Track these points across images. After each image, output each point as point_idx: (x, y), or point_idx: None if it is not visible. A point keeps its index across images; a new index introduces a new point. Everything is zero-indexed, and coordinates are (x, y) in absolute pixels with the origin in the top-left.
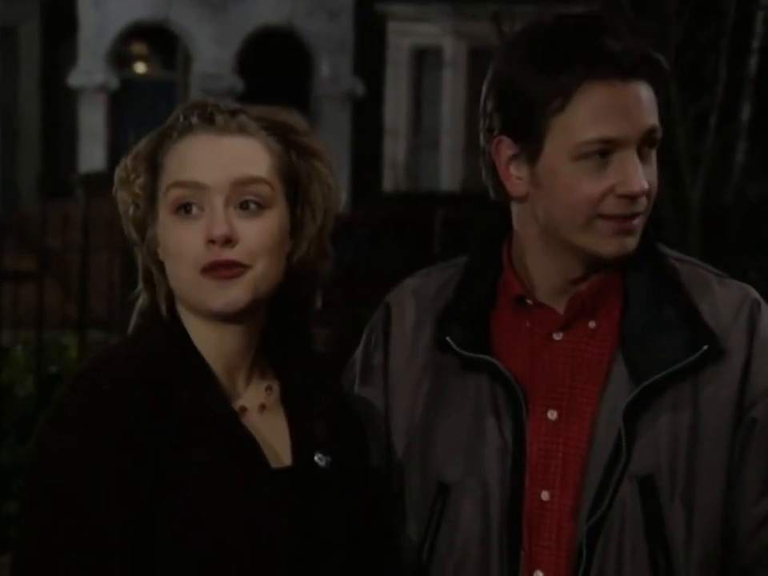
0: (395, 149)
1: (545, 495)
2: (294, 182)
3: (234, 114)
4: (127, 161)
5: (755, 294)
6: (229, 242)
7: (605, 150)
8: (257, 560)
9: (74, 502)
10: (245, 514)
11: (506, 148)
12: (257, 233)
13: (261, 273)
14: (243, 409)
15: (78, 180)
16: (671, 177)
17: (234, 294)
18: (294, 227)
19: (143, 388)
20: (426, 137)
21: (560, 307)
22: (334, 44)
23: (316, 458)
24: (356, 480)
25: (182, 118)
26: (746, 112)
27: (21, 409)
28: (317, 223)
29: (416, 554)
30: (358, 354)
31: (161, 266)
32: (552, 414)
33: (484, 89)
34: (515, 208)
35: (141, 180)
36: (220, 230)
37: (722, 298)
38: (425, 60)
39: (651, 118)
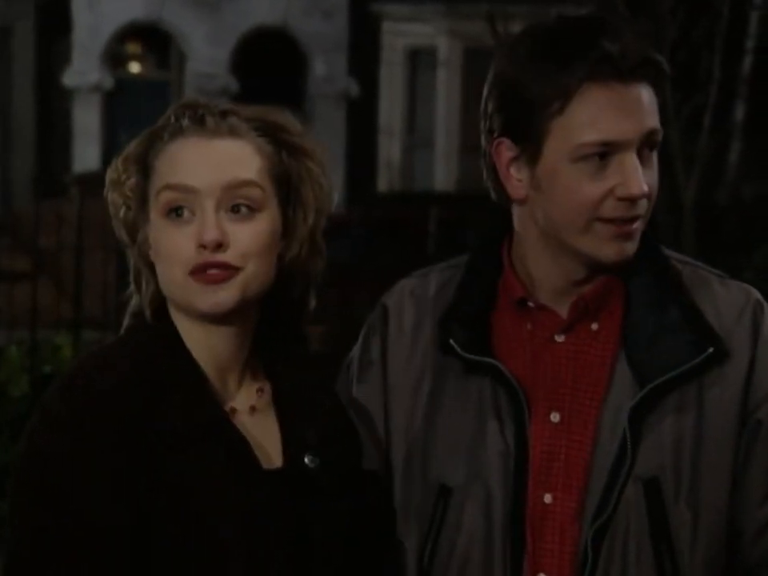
0: (390, 149)
1: (547, 498)
2: (286, 182)
3: (224, 115)
4: (118, 162)
5: (758, 295)
6: (220, 246)
7: (604, 153)
8: (250, 561)
9: (69, 502)
10: (237, 516)
11: (506, 150)
12: (248, 236)
13: (251, 274)
14: (233, 410)
15: (73, 180)
16: (665, 177)
17: (223, 295)
18: (286, 227)
19: (135, 388)
20: (421, 137)
21: (561, 309)
22: (329, 44)
23: (306, 459)
24: (350, 482)
25: (173, 119)
26: (740, 112)
27: (15, 409)
28: (309, 223)
29: (417, 557)
30: (355, 354)
31: (151, 268)
32: (555, 417)
33: (485, 90)
34: (516, 210)
35: (132, 182)
36: (211, 236)
37: (725, 300)
38: (419, 60)
39: (651, 120)
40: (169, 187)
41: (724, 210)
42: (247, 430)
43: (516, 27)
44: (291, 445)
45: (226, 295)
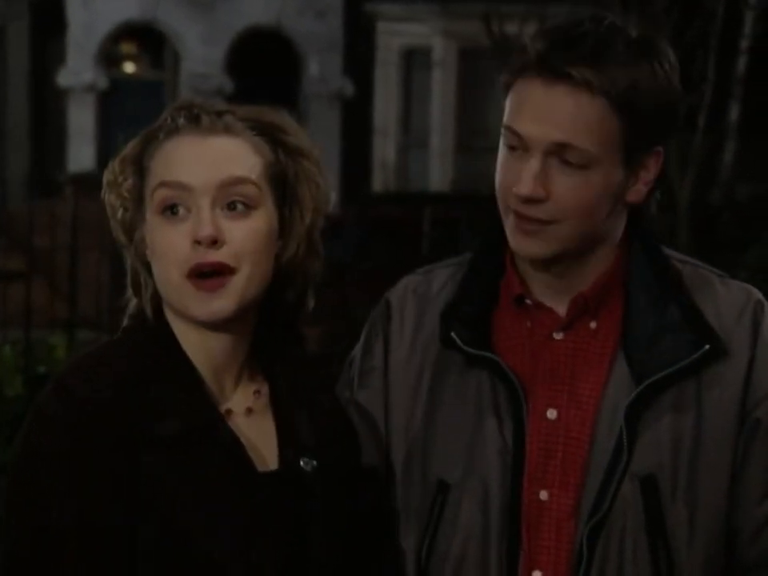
0: (385, 149)
1: (543, 495)
2: (282, 181)
3: (220, 114)
4: (115, 164)
5: (758, 295)
6: (215, 242)
7: (515, 145)
8: (248, 565)
9: (68, 501)
10: (232, 518)
11: None
12: (244, 233)
13: (247, 276)
14: (229, 412)
15: (67, 179)
16: (660, 176)
17: (219, 304)
18: (283, 228)
19: (131, 389)
20: (416, 137)
21: (560, 307)
22: (324, 44)
23: (302, 462)
24: (349, 483)
25: (168, 120)
26: (734, 112)
27: (9, 409)
28: (305, 223)
29: (415, 553)
30: (357, 350)
31: (149, 268)
32: (552, 414)
33: None
34: None
35: (129, 182)
36: (206, 231)
37: (725, 299)
38: (414, 60)
39: (560, 133)
40: (164, 184)
41: (718, 209)
42: (243, 432)
43: (511, 27)
44: (287, 447)
45: (222, 304)
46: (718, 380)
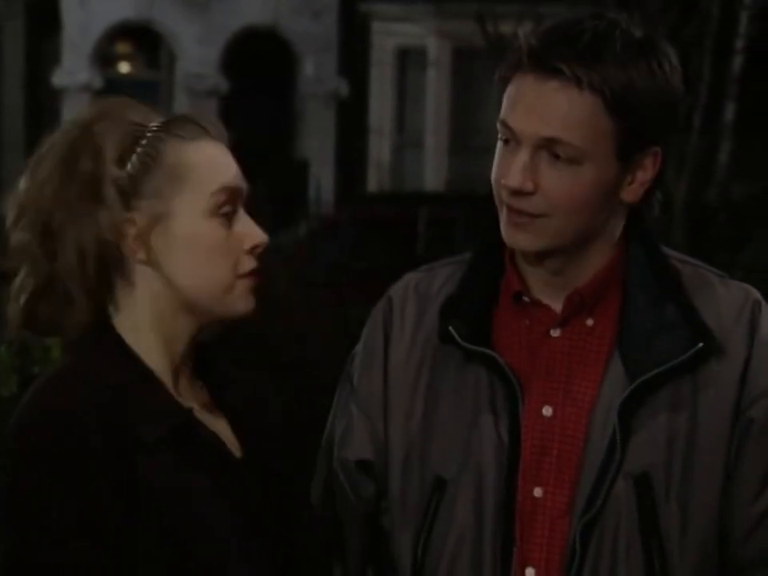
0: (380, 148)
1: (537, 492)
2: None
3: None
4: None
5: (757, 295)
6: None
7: (508, 139)
8: (247, 556)
9: (68, 502)
10: (231, 515)
11: None
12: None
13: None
14: (191, 409)
15: None
16: (658, 177)
17: (252, 299)
18: None
19: (110, 398)
20: (411, 136)
21: (556, 305)
22: (319, 44)
23: (264, 448)
24: (300, 465)
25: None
26: (730, 112)
27: (5, 409)
28: None
29: (412, 549)
30: (359, 347)
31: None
32: (547, 411)
33: None
34: None
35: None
36: (263, 237)
37: (724, 299)
38: (409, 60)
39: (549, 128)
40: (225, 189)
41: (714, 209)
42: (212, 426)
43: (506, 27)
44: (247, 435)
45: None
46: (714, 379)
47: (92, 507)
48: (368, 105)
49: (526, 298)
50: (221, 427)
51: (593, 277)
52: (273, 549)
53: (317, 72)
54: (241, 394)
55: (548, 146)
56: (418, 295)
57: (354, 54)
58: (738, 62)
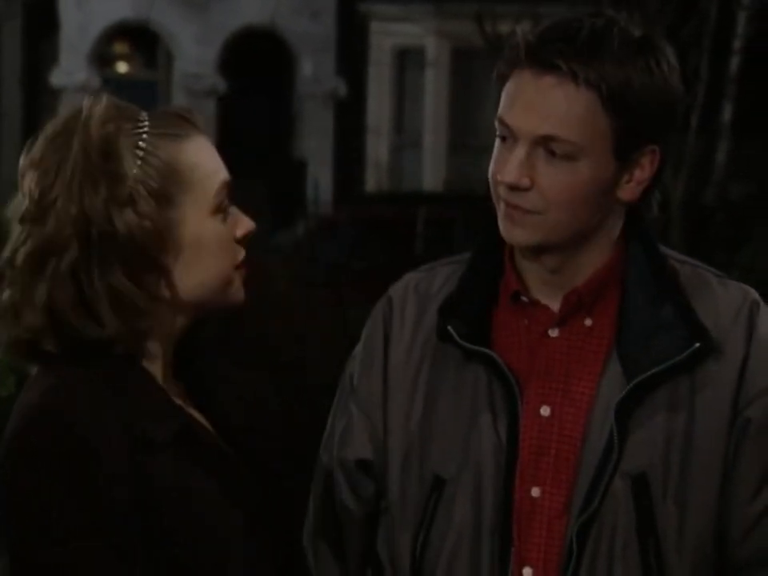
0: (378, 148)
1: (535, 492)
2: None
3: None
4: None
5: (755, 295)
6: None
7: (506, 136)
8: (246, 561)
9: (68, 502)
10: (233, 508)
11: None
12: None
13: None
14: (181, 406)
15: None
16: (656, 176)
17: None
18: None
19: (112, 400)
20: (409, 136)
21: (554, 304)
22: (317, 44)
23: (250, 442)
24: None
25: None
26: (727, 112)
27: (2, 409)
28: None
29: (410, 548)
30: (359, 347)
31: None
32: (545, 411)
33: None
34: None
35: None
36: (252, 224)
37: (723, 299)
38: (407, 59)
39: (546, 125)
40: (227, 185)
41: (711, 209)
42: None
43: (504, 27)
44: (231, 430)
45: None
46: (711, 379)
47: (92, 507)
48: (366, 105)
49: (524, 298)
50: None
51: (591, 276)
52: (273, 549)
53: (315, 72)
54: (234, 394)
55: (544, 143)
56: (418, 295)
57: (352, 54)
58: (735, 62)
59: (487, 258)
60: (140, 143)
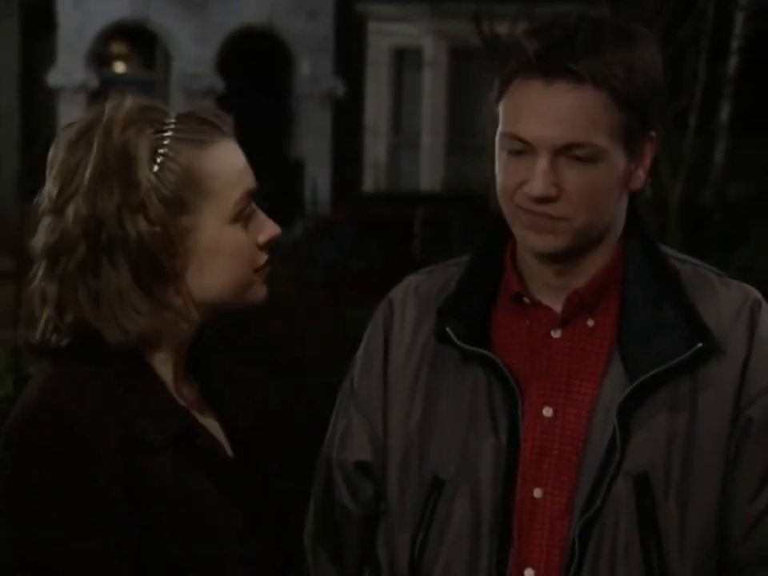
0: (376, 148)
1: (537, 493)
2: None
3: None
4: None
5: (756, 294)
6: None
7: (519, 149)
8: (244, 563)
9: (68, 502)
10: (229, 515)
11: None
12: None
13: None
14: (187, 408)
15: None
16: (651, 176)
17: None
18: None
19: (113, 400)
20: (407, 136)
21: (556, 305)
22: (315, 44)
23: (255, 443)
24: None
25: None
26: (725, 112)
27: (1, 409)
28: None
29: (409, 549)
30: (360, 350)
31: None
32: (548, 411)
33: None
34: None
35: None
36: (277, 230)
37: (724, 298)
38: (405, 60)
39: (566, 133)
40: (249, 193)
41: (709, 209)
42: (205, 425)
43: (502, 27)
44: (239, 432)
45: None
46: (713, 379)
47: (92, 507)
48: (364, 105)
49: (525, 299)
50: (211, 426)
51: (592, 277)
52: (272, 549)
53: (313, 72)
54: (242, 394)
55: (566, 150)
56: (418, 297)
57: (350, 54)
58: (733, 62)
59: (487, 260)
60: (160, 149)
